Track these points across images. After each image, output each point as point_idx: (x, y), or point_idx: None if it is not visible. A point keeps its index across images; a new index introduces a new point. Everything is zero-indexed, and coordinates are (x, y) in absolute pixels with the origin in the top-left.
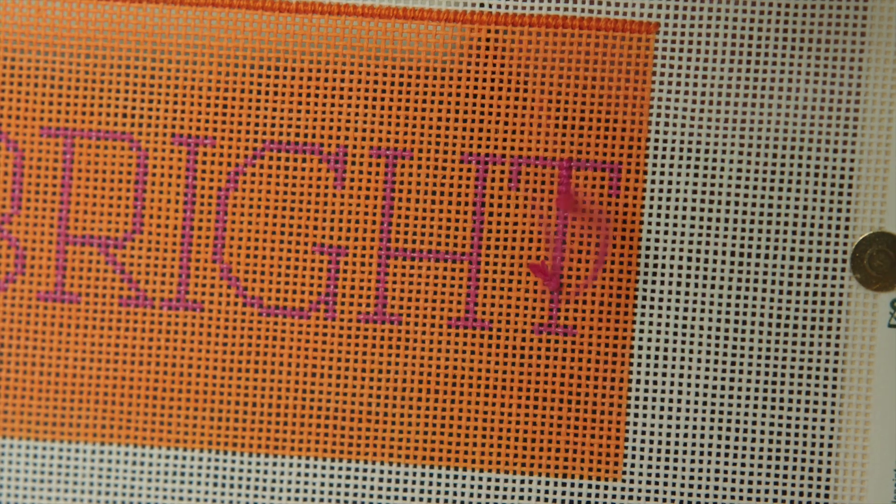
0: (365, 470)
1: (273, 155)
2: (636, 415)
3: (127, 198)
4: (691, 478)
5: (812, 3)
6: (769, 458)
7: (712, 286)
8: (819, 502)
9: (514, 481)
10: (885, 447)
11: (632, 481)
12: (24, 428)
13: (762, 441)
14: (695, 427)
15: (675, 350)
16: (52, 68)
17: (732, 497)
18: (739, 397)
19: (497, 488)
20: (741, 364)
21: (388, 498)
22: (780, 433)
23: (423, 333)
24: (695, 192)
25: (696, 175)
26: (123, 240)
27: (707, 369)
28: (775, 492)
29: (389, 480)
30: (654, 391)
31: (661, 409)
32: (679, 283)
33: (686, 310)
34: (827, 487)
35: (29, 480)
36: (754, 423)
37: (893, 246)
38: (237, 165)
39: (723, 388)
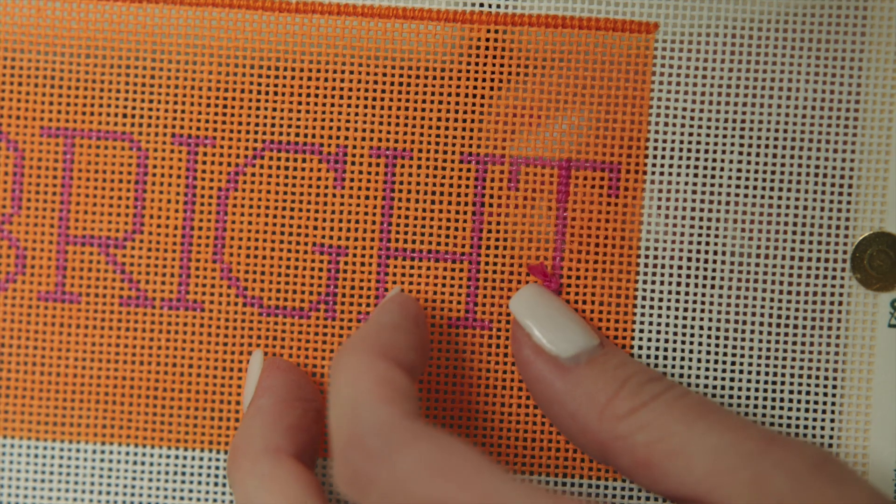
0: None
1: (273, 155)
2: None
3: (127, 198)
4: None
5: (812, 3)
6: None
7: (712, 286)
8: None
9: None
10: (885, 447)
11: (632, 480)
12: (25, 428)
13: None
14: None
15: (675, 350)
16: (52, 68)
17: None
18: (739, 397)
19: None
20: (741, 364)
21: None
22: (780, 433)
23: None
24: (694, 192)
25: (695, 175)
26: (124, 240)
27: (707, 369)
28: None
29: None
30: None
31: None
32: (679, 283)
33: (686, 310)
34: None
35: (30, 480)
36: (754, 422)
37: (893, 246)
38: (237, 165)
39: (723, 388)
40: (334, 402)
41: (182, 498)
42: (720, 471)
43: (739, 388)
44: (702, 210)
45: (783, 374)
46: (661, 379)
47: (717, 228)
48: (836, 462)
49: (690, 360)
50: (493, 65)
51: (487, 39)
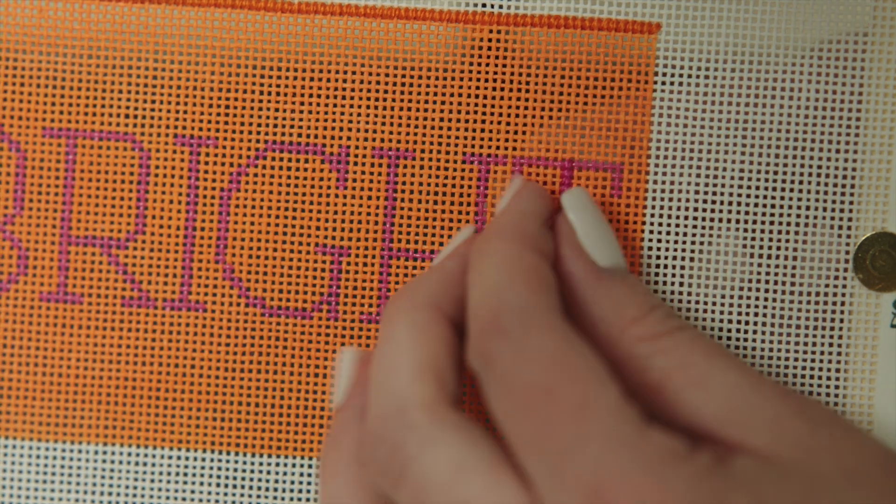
0: None
1: (275, 155)
2: None
3: (129, 198)
4: None
5: (814, 3)
6: None
7: (714, 286)
8: None
9: None
10: None
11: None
12: (28, 428)
13: None
14: None
15: None
16: (54, 69)
17: None
18: None
19: None
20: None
21: None
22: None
23: None
24: (697, 192)
25: (698, 175)
26: (126, 240)
27: None
28: None
29: None
30: None
31: None
32: (682, 284)
33: (689, 310)
34: None
35: (32, 481)
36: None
37: None
38: (239, 166)
39: None
40: (478, 284)
41: (185, 499)
42: (739, 408)
43: None
44: (704, 210)
45: (785, 375)
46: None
47: (719, 228)
48: (846, 419)
49: None
50: (496, 65)
51: (490, 40)
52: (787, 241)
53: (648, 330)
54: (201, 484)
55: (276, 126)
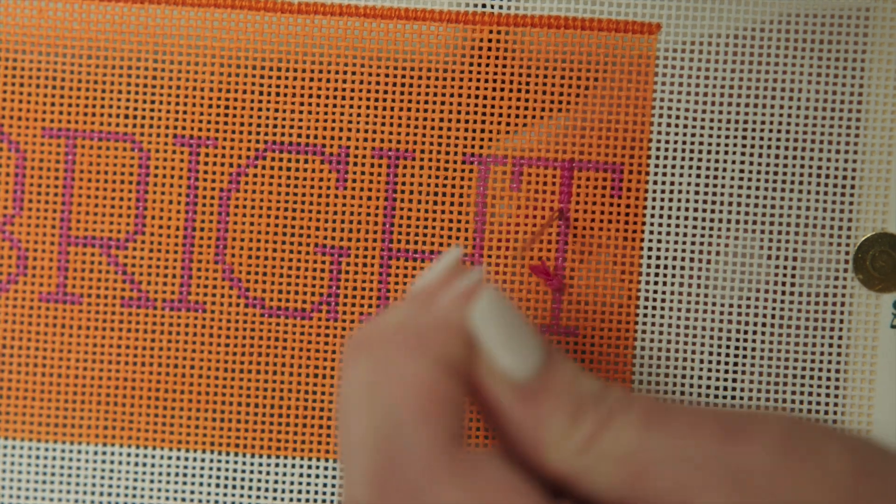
0: None
1: (275, 156)
2: None
3: (129, 199)
4: None
5: (814, 3)
6: None
7: (714, 287)
8: None
9: None
10: None
11: None
12: (27, 429)
13: None
14: None
15: (677, 351)
16: (54, 69)
17: None
18: (742, 398)
19: None
20: (743, 365)
21: None
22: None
23: None
24: (697, 192)
25: (698, 176)
26: (125, 241)
27: (709, 370)
28: None
29: None
30: (657, 391)
31: None
32: (681, 284)
33: (688, 310)
34: None
35: (31, 481)
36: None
37: None
38: (239, 166)
39: (725, 388)
40: (371, 405)
41: (184, 499)
42: (690, 479)
43: (741, 389)
44: (704, 210)
45: (785, 375)
46: (605, 387)
47: (719, 229)
48: (802, 429)
49: (692, 360)
50: (496, 66)
51: (490, 40)
52: (787, 241)
53: (581, 439)
54: (201, 484)
55: (275, 126)
